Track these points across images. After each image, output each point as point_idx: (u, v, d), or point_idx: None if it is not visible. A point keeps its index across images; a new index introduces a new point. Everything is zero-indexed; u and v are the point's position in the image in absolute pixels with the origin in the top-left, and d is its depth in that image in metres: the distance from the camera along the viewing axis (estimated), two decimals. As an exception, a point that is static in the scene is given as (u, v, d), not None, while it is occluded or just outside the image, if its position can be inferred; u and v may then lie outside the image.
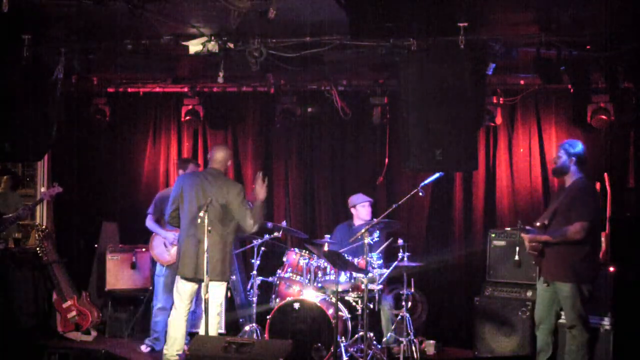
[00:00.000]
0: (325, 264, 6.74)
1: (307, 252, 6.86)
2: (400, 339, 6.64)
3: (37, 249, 7.55)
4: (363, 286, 6.27)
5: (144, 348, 7.17)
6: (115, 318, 7.80)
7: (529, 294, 6.66)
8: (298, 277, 6.83)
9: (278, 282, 6.94)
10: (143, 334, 7.43)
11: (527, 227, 5.63)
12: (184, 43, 6.30)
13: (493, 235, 7.09)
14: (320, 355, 6.40)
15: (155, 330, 7.18)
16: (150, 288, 7.56)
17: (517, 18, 5.90)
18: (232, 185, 6.17)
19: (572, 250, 5.47)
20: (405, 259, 6.68)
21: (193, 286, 6.10)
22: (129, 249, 8.01)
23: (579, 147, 5.69)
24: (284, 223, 7.14)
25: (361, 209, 7.36)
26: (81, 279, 8.17)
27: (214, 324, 5.99)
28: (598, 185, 6.60)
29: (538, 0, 5.57)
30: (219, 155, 6.20)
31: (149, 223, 7.24)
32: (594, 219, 5.54)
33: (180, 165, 7.32)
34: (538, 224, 5.68)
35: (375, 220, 6.60)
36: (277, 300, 6.83)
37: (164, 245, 7.16)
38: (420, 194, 6.21)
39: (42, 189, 7.59)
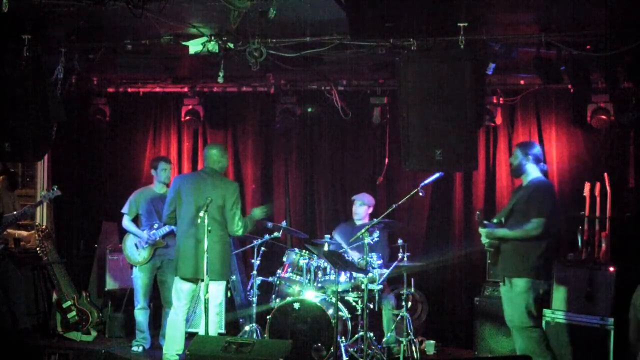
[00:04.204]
0: (325, 264, 6.74)
1: (307, 252, 6.86)
2: (400, 339, 6.64)
3: (37, 249, 7.54)
4: (363, 286, 6.28)
5: (135, 349, 7.12)
6: (115, 318, 7.78)
7: (529, 294, 6.64)
8: (298, 277, 6.83)
9: (278, 282, 6.94)
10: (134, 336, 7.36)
11: (485, 222, 5.67)
12: (184, 43, 6.31)
13: (493, 235, 7.07)
14: (320, 355, 6.39)
15: (141, 330, 7.17)
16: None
17: (517, 18, 5.90)
18: (228, 183, 6.20)
19: (529, 246, 5.51)
20: (405, 259, 6.68)
21: (191, 286, 6.11)
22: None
23: (535, 148, 5.82)
24: (284, 223, 7.12)
25: (354, 206, 7.39)
26: (81, 279, 8.16)
27: (214, 324, 5.99)
28: (595, 186, 6.64)
29: (538, 0, 5.57)
30: (213, 153, 6.20)
31: (126, 223, 7.23)
32: (551, 216, 5.57)
33: (151, 164, 7.34)
34: (495, 220, 5.73)
35: (375, 220, 6.60)
36: (277, 300, 6.83)
37: (135, 246, 7.14)
38: (420, 194, 6.21)
39: (43, 192, 7.57)
